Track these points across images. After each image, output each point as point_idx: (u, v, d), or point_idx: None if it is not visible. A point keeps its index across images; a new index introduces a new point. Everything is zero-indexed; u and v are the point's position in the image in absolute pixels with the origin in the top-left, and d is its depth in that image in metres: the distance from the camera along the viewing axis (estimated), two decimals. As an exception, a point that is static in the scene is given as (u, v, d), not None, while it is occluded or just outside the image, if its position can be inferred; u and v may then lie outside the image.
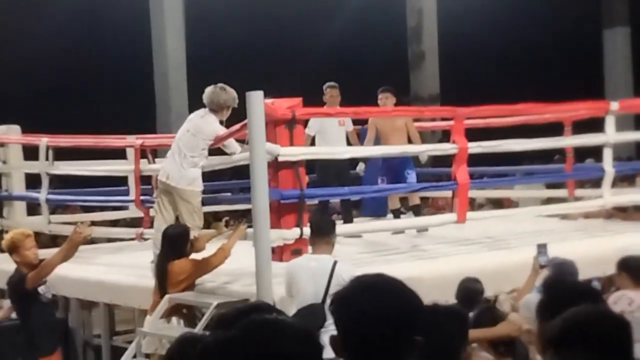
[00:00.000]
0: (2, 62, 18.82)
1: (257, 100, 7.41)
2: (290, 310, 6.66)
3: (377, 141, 10.23)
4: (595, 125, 10.76)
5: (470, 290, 6.82)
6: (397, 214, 10.58)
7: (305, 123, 8.89)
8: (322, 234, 7.29)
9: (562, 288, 3.52)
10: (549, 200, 12.36)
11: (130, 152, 10.96)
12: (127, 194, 10.88)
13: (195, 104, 9.12)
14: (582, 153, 12.30)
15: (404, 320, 2.41)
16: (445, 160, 14.38)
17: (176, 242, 7.82)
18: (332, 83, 10.45)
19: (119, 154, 11.20)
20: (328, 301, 6.68)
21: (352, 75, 18.53)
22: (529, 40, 23.39)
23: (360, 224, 9.59)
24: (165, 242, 7.87)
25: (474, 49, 23.03)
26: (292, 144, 8.03)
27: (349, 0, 22.13)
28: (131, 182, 10.99)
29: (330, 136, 9.99)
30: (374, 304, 2.41)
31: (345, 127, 10.38)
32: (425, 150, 9.53)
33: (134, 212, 11.37)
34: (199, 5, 18.98)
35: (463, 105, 9.20)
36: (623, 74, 22.69)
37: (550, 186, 13.12)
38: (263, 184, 7.31)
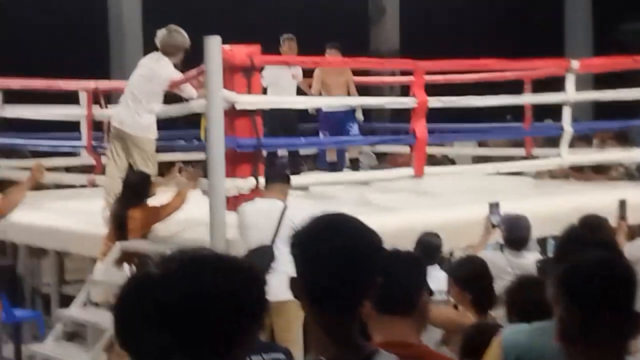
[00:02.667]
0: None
1: (214, 45, 7.24)
2: (241, 253, 6.61)
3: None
4: (551, 87, 10.79)
5: (429, 244, 6.78)
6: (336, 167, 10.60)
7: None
8: (276, 181, 7.28)
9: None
10: (481, 159, 12.34)
11: (83, 97, 10.74)
12: (80, 140, 10.67)
13: (150, 49, 8.93)
14: (539, 113, 12.24)
15: (364, 259, 2.35)
16: (403, 116, 14.39)
17: (138, 189, 7.71)
18: (290, 35, 10.31)
19: (72, 99, 10.96)
20: (277, 243, 6.72)
21: (312, 29, 18.31)
22: (491, 3, 23.33)
23: (314, 175, 9.49)
24: (126, 189, 7.74)
25: (434, 5, 22.88)
26: (249, 92, 7.88)
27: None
28: (83, 127, 10.80)
29: (282, 89, 9.84)
30: (334, 242, 2.34)
31: (296, 80, 10.27)
32: (383, 103, 9.41)
33: (86, 158, 11.19)
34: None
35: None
36: (583, 36, 22.71)
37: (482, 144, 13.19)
38: (219, 132, 7.18)
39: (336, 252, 2.32)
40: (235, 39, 7.86)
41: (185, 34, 8.52)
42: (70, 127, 11.20)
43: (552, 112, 12.36)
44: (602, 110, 15.45)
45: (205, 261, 2.22)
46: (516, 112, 12.32)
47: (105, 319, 7.30)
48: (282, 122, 9.51)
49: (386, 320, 2.78)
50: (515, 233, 7.16)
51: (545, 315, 3.55)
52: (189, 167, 8.05)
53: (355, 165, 10.79)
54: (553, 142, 12.21)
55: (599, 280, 2.61)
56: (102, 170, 9.31)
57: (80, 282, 8.90)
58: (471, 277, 5.29)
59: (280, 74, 9.73)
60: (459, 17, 23.44)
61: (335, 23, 19.82)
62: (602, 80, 12.61)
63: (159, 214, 7.68)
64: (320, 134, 10.22)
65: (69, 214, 9.33)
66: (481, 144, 13.73)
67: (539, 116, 12.68)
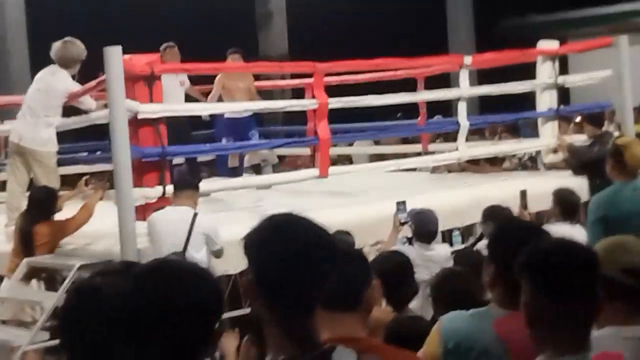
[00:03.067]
0: None
1: (115, 55, 7.19)
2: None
3: (220, 100, 10.21)
4: (437, 84, 11.06)
5: (341, 242, 6.82)
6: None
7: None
8: (183, 188, 7.27)
9: (512, 228, 3.58)
10: (378, 157, 12.53)
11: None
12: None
13: (36, 64, 8.80)
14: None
15: (317, 257, 2.37)
16: (295, 119, 14.46)
17: (43, 204, 7.57)
18: (170, 43, 10.21)
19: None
20: (189, 250, 6.72)
21: (199, 35, 18.28)
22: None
23: (219, 181, 9.47)
24: (31, 204, 7.60)
25: (320, 8, 23.03)
26: (151, 101, 7.84)
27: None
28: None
29: (171, 97, 9.77)
30: (287, 242, 2.35)
31: (185, 88, 10.21)
32: (285, 106, 9.45)
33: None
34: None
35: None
36: (465, 33, 23.19)
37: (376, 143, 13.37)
38: (124, 142, 7.12)
39: (289, 252, 2.34)
40: (124, 46, 7.73)
41: (81, 45, 8.43)
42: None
43: (441, 108, 12.66)
44: (486, 104, 15.83)
45: (164, 270, 2.27)
46: (406, 110, 12.54)
47: (15, 336, 7.17)
48: (175, 130, 9.46)
49: (335, 317, 2.81)
50: (424, 227, 7.31)
51: (471, 303, 3.66)
52: (94, 179, 7.95)
53: (257, 170, 10.81)
54: (438, 137, 12.54)
55: (563, 265, 2.71)
56: (1, 187, 9.14)
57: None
58: (394, 271, 5.36)
59: (167, 84, 9.67)
60: (343, 19, 23.67)
61: (223, 28, 19.79)
62: (483, 75, 12.93)
63: (66, 228, 7.58)
64: (223, 140, 10.18)
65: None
66: (375, 143, 13.91)
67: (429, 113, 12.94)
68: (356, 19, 23.65)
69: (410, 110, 12.31)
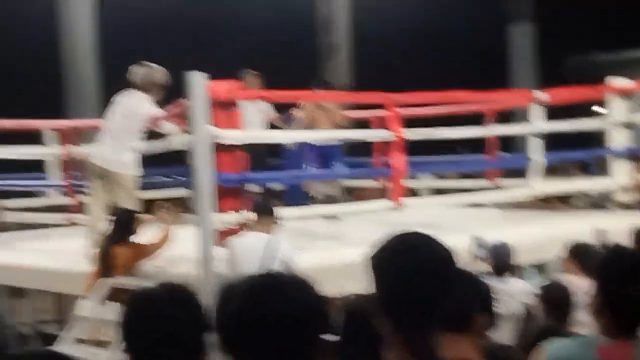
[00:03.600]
0: None
1: (198, 81, 7.30)
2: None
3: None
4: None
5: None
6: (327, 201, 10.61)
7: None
8: (261, 215, 7.34)
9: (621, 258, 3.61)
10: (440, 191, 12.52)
11: (50, 136, 10.71)
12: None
13: (106, 89, 8.96)
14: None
15: (441, 275, 2.41)
16: (359, 150, 14.49)
17: (123, 226, 7.67)
18: (251, 70, 10.38)
19: (33, 139, 10.91)
20: None
21: (264, 66, 18.43)
22: (436, 35, 23.64)
23: (299, 209, 9.51)
24: (113, 226, 7.70)
25: (383, 42, 23.16)
26: (231, 127, 7.94)
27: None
28: (52, 167, 10.75)
29: (249, 123, 9.87)
30: (413, 259, 2.40)
31: (264, 115, 10.30)
32: (361, 136, 9.50)
33: (55, 198, 11.14)
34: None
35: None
36: (528, 70, 23.11)
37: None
38: (206, 167, 7.22)
39: (418, 270, 2.38)
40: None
41: (162, 69, 8.54)
42: (28, 167, 11.13)
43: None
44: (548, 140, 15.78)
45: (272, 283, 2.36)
46: (464, 145, 12.49)
47: (93, 356, 7.26)
48: (253, 156, 9.56)
49: (450, 338, 2.83)
50: (500, 260, 7.30)
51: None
52: (170, 205, 8.02)
53: (331, 199, 10.76)
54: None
55: None
56: (80, 209, 9.29)
57: (60, 321, 8.83)
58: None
59: (246, 109, 9.78)
60: (406, 53, 23.76)
61: (288, 58, 19.98)
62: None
63: (145, 251, 7.67)
64: (305, 167, 10.19)
65: (47, 253, 9.26)
66: (437, 177, 13.89)
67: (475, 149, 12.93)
68: (419, 53, 23.74)
69: (469, 145, 12.30)
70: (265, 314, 2.27)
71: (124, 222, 7.70)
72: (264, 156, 10.22)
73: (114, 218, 7.77)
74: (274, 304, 2.29)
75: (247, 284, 2.40)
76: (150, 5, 20.92)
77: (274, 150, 10.90)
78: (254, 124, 9.85)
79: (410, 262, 2.40)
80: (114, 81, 8.72)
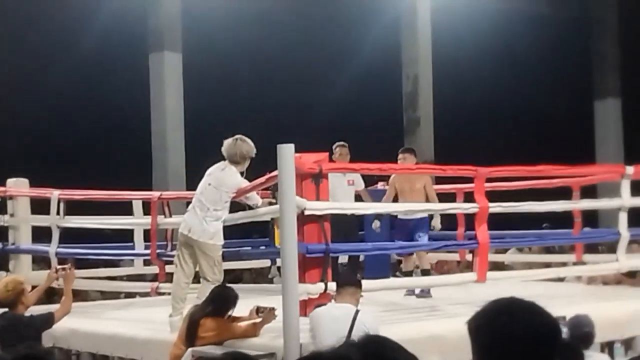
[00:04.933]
0: (9, 117, 18.89)
1: (287, 153, 7.38)
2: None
3: (395, 201, 10.22)
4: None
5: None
6: (410, 275, 10.54)
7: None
8: (346, 286, 7.36)
9: None
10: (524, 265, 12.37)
11: (137, 207, 10.93)
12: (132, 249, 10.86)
13: (191, 162, 9.13)
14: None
15: (544, 342, 2.39)
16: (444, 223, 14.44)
17: (219, 301, 7.72)
18: (342, 142, 10.48)
19: (121, 209, 11.15)
20: None
21: (349, 140, 18.60)
22: (522, 109, 23.61)
23: (382, 281, 9.51)
24: (210, 298, 7.77)
25: (468, 116, 23.21)
26: (318, 198, 8.01)
27: (348, 68, 22.30)
28: (138, 236, 10.95)
29: (338, 195, 9.93)
30: (515, 325, 2.39)
31: (354, 187, 10.35)
32: (447, 209, 9.50)
33: (139, 267, 11.32)
34: (197, 65, 19.04)
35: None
36: (614, 145, 22.88)
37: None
38: (292, 238, 7.25)
39: (516, 336, 2.37)
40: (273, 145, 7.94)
41: (250, 142, 8.69)
42: (118, 236, 11.34)
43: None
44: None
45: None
46: (553, 221, 12.38)
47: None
48: (343, 228, 9.59)
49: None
50: (580, 330, 7.15)
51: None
52: (266, 308, 8.04)
53: (409, 275, 10.71)
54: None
55: None
56: (165, 278, 9.42)
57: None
58: None
59: (335, 180, 9.85)
60: (489, 126, 23.73)
61: (371, 134, 20.11)
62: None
63: (233, 331, 7.69)
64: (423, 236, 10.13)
65: (131, 322, 9.40)
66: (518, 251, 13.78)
67: (540, 223, 12.81)
68: (500, 127, 23.70)
69: (554, 221, 12.21)
70: None
71: (220, 298, 7.76)
72: (354, 228, 10.23)
73: (214, 290, 7.84)
74: None
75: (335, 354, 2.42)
76: (232, 84, 21.36)
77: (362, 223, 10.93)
78: (343, 195, 9.90)
79: (507, 329, 2.40)
80: (197, 154, 8.90)
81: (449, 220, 11.88)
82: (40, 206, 11.16)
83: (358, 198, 10.49)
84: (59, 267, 7.94)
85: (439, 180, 12.48)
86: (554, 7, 22.67)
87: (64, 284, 7.69)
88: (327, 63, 22.52)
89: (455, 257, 12.78)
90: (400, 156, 10.25)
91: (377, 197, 10.67)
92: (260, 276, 12.61)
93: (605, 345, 8.70)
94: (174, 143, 17.89)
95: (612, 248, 10.59)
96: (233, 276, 11.97)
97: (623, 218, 10.05)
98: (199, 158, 9.77)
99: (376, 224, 10.45)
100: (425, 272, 10.36)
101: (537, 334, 2.40)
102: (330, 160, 9.99)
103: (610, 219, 11.40)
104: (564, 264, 11.85)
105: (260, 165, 9.43)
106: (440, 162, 19.05)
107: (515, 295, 2.53)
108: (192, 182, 10.49)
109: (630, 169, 10.05)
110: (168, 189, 15.99)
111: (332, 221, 9.37)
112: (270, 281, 11.34)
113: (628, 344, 8.93)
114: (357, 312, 7.12)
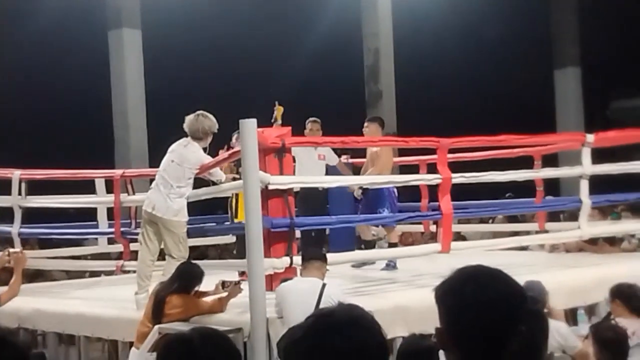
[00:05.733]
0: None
1: (250, 128, 7.36)
2: (280, 332, 6.64)
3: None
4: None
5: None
6: (370, 245, 10.55)
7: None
8: (313, 260, 7.39)
9: None
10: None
11: (100, 185, 10.86)
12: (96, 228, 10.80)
13: (153, 139, 9.09)
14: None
15: (509, 308, 2.40)
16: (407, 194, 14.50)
17: (185, 278, 7.70)
18: (314, 118, 10.45)
19: (86, 188, 11.06)
20: None
21: (310, 114, 18.60)
22: (482, 80, 23.70)
23: (348, 254, 9.53)
24: (176, 275, 7.74)
25: (429, 89, 23.28)
26: (281, 173, 8.01)
27: (309, 42, 22.24)
28: (101, 215, 10.89)
29: (307, 168, 9.92)
30: (482, 292, 2.38)
31: (326, 161, 10.32)
32: (410, 180, 9.51)
33: (103, 246, 11.27)
34: (158, 42, 18.90)
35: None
36: (574, 113, 23.04)
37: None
38: (257, 213, 7.25)
39: (482, 302, 2.37)
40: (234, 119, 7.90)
41: (213, 118, 8.66)
42: (79, 215, 11.27)
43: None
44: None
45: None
46: (515, 189, 12.49)
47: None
48: (313, 201, 9.61)
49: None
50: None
51: None
52: (231, 282, 8.02)
53: (369, 245, 10.71)
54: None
55: None
56: (130, 256, 9.39)
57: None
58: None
59: (302, 156, 9.84)
60: (451, 98, 23.83)
61: (334, 106, 20.11)
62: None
63: (199, 307, 7.67)
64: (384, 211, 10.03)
65: (97, 300, 9.36)
66: (481, 221, 13.87)
67: (504, 192, 12.95)
68: (462, 98, 23.81)
69: (517, 190, 12.31)
70: (327, 352, 2.29)
71: (186, 274, 7.74)
72: (322, 201, 10.23)
73: (179, 268, 7.82)
74: (338, 342, 2.31)
75: (307, 325, 2.42)
76: (193, 62, 21.26)
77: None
78: (314, 170, 9.90)
79: (472, 293, 2.41)
80: (160, 131, 8.85)
81: (412, 192, 11.95)
82: (1, 187, 11.05)
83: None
84: (11, 250, 7.85)
85: (402, 152, 12.52)
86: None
87: (14, 267, 7.61)
88: (288, 37, 22.48)
89: (419, 228, 12.84)
90: (365, 124, 10.27)
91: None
92: (225, 252, 12.60)
93: (569, 312, 8.82)
94: (136, 121, 17.79)
95: (573, 216, 10.70)
96: (198, 252, 11.96)
97: (584, 185, 10.14)
98: (162, 135, 9.72)
99: (358, 192, 10.37)
100: (392, 246, 10.34)
101: (503, 301, 2.41)
102: (301, 134, 9.99)
103: (572, 187, 11.50)
104: (527, 233, 11.98)
105: (223, 140, 9.44)
106: (403, 134, 19.14)
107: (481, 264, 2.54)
108: (155, 160, 10.43)
109: (590, 137, 10.13)
110: (131, 167, 15.89)
111: (301, 195, 9.41)
112: (236, 256, 11.33)
113: (591, 310, 9.04)
114: (323, 285, 7.16)
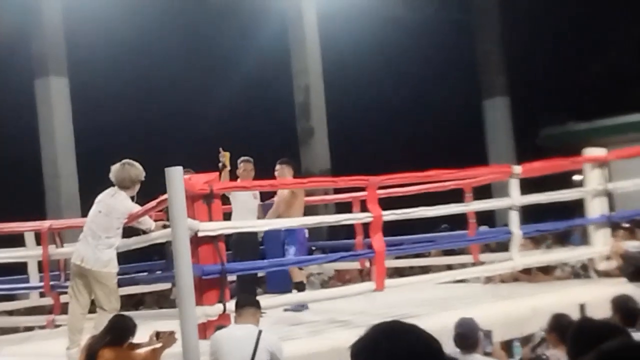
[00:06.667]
0: None
1: (176, 176, 7.28)
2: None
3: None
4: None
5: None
6: (301, 287, 10.43)
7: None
8: (248, 306, 7.30)
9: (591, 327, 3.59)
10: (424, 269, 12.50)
11: (29, 238, 10.69)
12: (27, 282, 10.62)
13: (85, 187, 8.99)
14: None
15: None
16: (339, 234, 14.52)
17: (117, 331, 7.53)
18: (246, 158, 10.36)
19: (15, 240, 10.89)
20: None
21: (242, 152, 18.60)
22: (413, 113, 23.88)
23: (282, 297, 9.46)
24: (108, 327, 7.58)
25: (362, 124, 23.39)
26: (210, 219, 7.95)
27: (237, 81, 22.22)
28: (32, 268, 10.71)
29: (245, 210, 9.85)
30: (395, 350, 2.38)
31: (257, 201, 10.28)
32: (341, 220, 9.52)
33: (35, 300, 11.07)
34: (85, 89, 18.74)
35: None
36: (505, 143, 23.31)
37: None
38: (187, 261, 7.16)
39: (398, 358, 2.37)
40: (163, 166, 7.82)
41: (139, 166, 8.59)
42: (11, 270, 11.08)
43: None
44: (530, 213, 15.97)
45: None
46: (448, 221, 12.56)
47: None
48: (249, 244, 9.54)
49: None
50: (464, 336, 7.18)
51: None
52: (165, 333, 7.88)
53: (300, 287, 10.59)
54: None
55: None
56: (61, 310, 9.23)
57: None
58: None
59: (240, 197, 9.75)
60: (384, 132, 23.97)
61: (265, 144, 20.09)
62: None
63: (132, 359, 7.55)
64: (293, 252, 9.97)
65: (29, 357, 9.18)
66: (418, 255, 13.89)
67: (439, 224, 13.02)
68: (395, 132, 23.96)
69: (452, 221, 12.39)
70: None
71: (118, 327, 7.58)
72: (257, 243, 10.15)
73: (111, 321, 7.66)
74: None
75: None
76: (121, 105, 21.14)
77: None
78: (252, 210, 9.81)
79: (387, 352, 2.39)
80: (91, 181, 8.73)
81: (348, 229, 11.96)
82: None
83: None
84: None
85: (335, 189, 12.55)
86: (436, 12, 23.08)
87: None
88: (218, 78, 22.44)
89: (356, 265, 12.83)
90: (276, 167, 10.24)
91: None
92: (162, 298, 12.46)
93: (505, 344, 8.84)
94: (66, 169, 17.61)
95: (506, 246, 10.78)
96: (135, 300, 11.80)
97: (514, 217, 10.24)
98: (93, 183, 9.58)
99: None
100: (297, 285, 10.10)
101: (419, 356, 2.40)
102: (234, 176, 9.91)
103: (507, 216, 11.59)
104: (462, 265, 12.04)
105: (150, 188, 9.33)
106: (337, 170, 19.19)
107: (396, 318, 2.53)
108: (87, 208, 10.27)
109: (517, 168, 10.24)
110: (62, 216, 15.70)
111: (239, 239, 9.33)
112: (173, 303, 11.19)
113: (527, 340, 9.07)
114: (260, 332, 7.06)
